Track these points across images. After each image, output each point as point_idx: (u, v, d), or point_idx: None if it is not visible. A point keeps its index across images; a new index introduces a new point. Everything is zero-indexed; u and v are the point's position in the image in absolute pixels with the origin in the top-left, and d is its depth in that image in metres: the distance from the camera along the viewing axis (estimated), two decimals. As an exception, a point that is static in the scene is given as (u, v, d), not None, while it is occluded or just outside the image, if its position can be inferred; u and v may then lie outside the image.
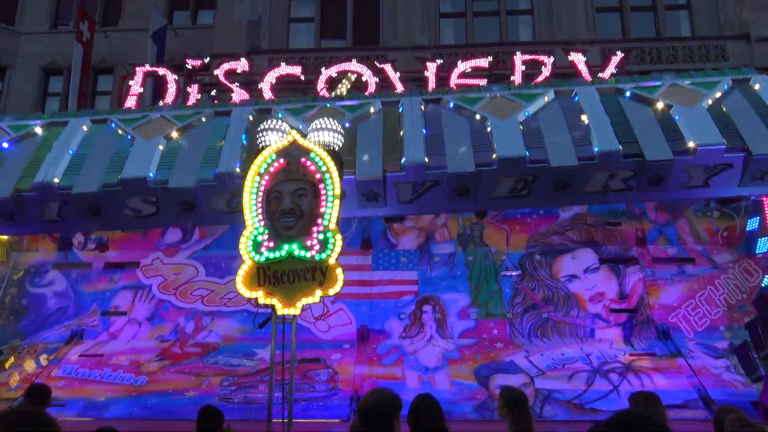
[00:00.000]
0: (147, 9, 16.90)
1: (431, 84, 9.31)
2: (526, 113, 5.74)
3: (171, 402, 7.86)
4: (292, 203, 6.09)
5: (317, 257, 6.01)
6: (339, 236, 6.08)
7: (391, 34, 17.62)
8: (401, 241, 9.64)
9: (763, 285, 7.90)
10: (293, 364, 6.19)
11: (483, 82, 9.34)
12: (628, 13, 17.73)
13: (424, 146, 5.67)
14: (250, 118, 5.99)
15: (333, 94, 9.03)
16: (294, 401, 5.66)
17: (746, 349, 7.57)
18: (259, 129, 6.27)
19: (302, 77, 10.39)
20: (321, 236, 6.06)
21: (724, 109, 5.61)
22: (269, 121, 6.36)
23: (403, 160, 5.68)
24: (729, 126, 5.50)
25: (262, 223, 6.17)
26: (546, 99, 5.75)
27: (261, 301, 6.04)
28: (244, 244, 6.16)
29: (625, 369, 8.02)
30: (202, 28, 18.28)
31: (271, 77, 10.25)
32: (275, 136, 6.38)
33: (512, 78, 9.82)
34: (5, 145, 6.08)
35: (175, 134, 6.02)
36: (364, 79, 9.82)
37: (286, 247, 6.07)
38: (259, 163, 6.28)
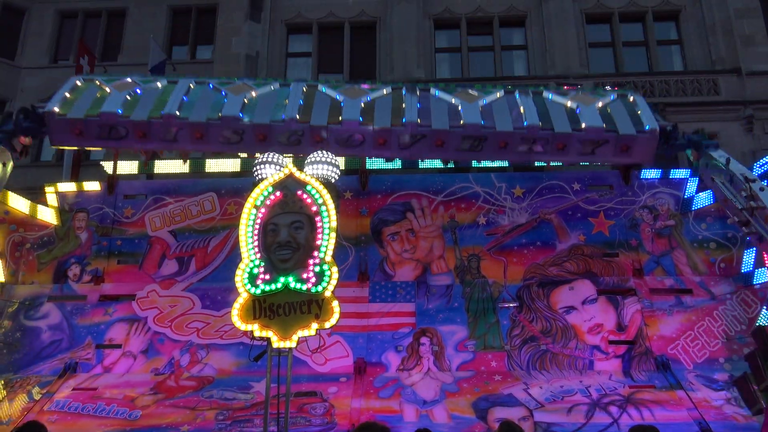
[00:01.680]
0: (146, 44, 17.13)
1: None
2: (484, 101, 8.73)
3: (165, 437, 7.74)
4: (288, 236, 6.16)
5: (313, 290, 6.03)
6: (335, 268, 6.12)
7: (388, 68, 17.86)
8: (398, 272, 9.62)
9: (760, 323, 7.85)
10: (289, 398, 6.14)
11: None
12: (621, 48, 18.00)
13: (417, 113, 8.51)
14: (304, 89, 8.88)
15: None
16: (289, 436, 5.59)
17: (746, 381, 7.49)
18: (255, 162, 6.36)
19: None
20: (317, 269, 6.09)
21: (609, 110, 8.60)
22: (266, 154, 6.45)
23: (404, 120, 8.40)
24: (609, 118, 8.45)
25: (258, 255, 6.21)
26: (498, 95, 8.86)
27: (256, 334, 6.04)
28: (240, 277, 6.18)
29: (624, 401, 7.93)
30: (200, 63, 18.54)
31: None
32: (272, 169, 6.45)
33: None
34: (138, 90, 8.78)
35: (253, 93, 8.81)
36: None
37: (282, 279, 6.10)
38: (255, 196, 6.34)
